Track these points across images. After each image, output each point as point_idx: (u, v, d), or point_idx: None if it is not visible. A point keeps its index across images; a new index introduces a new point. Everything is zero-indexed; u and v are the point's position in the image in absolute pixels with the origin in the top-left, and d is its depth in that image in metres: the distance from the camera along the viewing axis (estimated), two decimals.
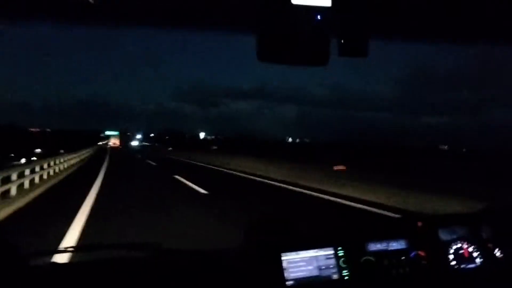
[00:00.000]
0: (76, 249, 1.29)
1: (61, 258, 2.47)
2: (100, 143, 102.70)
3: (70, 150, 24.15)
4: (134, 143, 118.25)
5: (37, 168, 12.10)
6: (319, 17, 1.13)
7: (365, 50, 1.27)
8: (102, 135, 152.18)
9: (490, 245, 1.39)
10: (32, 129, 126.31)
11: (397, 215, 6.96)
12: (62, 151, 22.74)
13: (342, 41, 1.23)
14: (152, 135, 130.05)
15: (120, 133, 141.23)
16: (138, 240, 1.40)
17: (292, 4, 1.05)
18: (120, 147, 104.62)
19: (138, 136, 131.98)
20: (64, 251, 1.39)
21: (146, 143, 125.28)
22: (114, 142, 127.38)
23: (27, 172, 10.77)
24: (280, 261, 1.22)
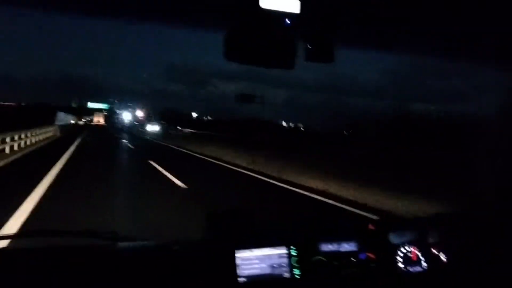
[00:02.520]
0: (26, 235, 1.27)
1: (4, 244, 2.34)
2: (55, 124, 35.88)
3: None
4: (153, 127, 56.81)
5: None
6: (287, 21, 1.15)
7: (331, 56, 1.30)
8: (74, 105, 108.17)
9: (435, 249, 1.46)
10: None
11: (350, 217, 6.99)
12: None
13: (309, 46, 1.26)
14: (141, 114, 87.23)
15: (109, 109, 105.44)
16: None
17: (260, 8, 1.07)
18: (105, 125, 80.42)
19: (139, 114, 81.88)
20: (9, 237, 1.35)
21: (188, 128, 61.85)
22: (97, 120, 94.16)
23: None
24: (234, 258, 1.24)
